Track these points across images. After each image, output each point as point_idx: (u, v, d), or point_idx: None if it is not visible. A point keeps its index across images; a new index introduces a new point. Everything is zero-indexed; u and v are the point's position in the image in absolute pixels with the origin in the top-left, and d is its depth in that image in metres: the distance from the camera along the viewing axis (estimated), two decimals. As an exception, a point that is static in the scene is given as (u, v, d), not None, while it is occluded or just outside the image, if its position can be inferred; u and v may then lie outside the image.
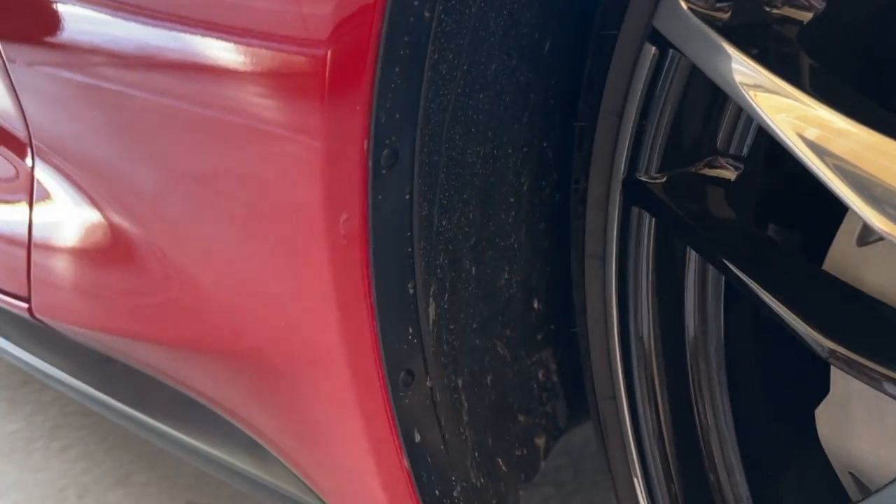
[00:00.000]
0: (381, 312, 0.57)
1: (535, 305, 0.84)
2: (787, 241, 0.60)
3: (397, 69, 0.50)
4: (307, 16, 0.47)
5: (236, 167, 0.57)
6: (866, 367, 0.48)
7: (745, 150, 0.59)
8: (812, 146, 0.46)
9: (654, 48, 0.56)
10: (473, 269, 0.73)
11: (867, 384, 0.48)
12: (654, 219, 0.63)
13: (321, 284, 0.57)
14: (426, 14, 0.49)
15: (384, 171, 0.53)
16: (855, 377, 0.49)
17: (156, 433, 1.06)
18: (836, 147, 0.45)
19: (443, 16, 0.52)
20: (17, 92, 0.93)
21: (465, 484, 0.68)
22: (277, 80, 0.50)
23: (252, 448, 0.87)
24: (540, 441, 0.87)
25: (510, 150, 0.73)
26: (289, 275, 0.59)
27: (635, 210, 0.65)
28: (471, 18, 0.58)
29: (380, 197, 0.54)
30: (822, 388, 0.59)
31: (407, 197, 0.56)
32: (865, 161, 0.44)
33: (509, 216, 0.76)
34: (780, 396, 0.70)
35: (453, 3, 0.54)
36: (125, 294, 0.90)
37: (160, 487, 1.32)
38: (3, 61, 0.89)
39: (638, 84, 0.59)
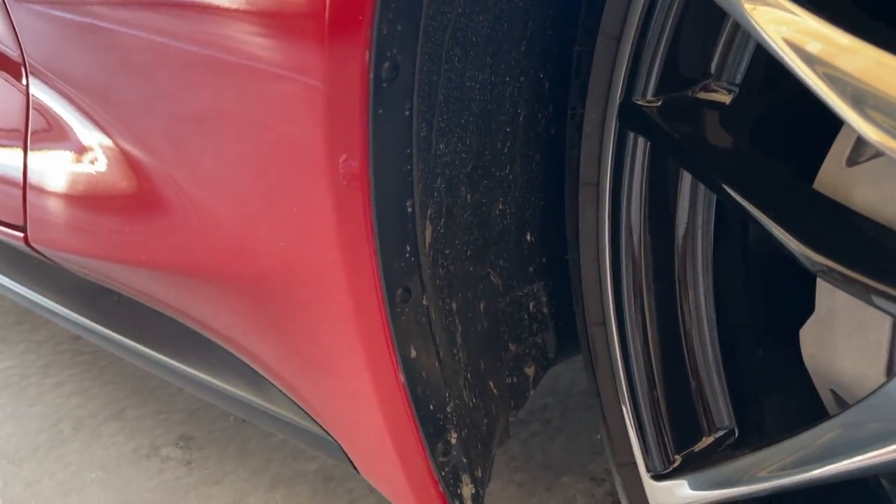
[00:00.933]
0: (381, 229, 0.58)
1: (528, 238, 0.85)
2: (780, 163, 0.61)
3: (399, -21, 0.50)
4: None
5: (241, 87, 0.58)
6: (856, 280, 0.50)
7: (740, 75, 0.60)
8: (806, 58, 0.47)
9: (654, -30, 0.56)
10: (469, 196, 0.74)
11: (856, 297, 0.50)
12: (648, 145, 0.64)
13: (321, 200, 0.58)
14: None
15: (385, 85, 0.54)
16: (844, 291, 0.51)
17: (154, 363, 1.07)
18: (831, 58, 0.46)
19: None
20: (11, 15, 0.92)
21: (458, 401, 0.70)
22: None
23: (250, 376, 0.88)
24: (529, 370, 0.89)
25: (507, 79, 0.74)
26: (289, 193, 0.60)
27: (630, 136, 0.65)
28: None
29: (380, 111, 0.54)
30: (806, 315, 0.61)
31: (406, 113, 0.57)
32: (861, 72, 0.45)
33: (505, 146, 0.77)
34: (765, 323, 0.72)
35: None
36: (123, 221, 0.90)
37: (154, 422, 1.34)
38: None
39: (637, 7, 0.59)
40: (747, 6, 0.49)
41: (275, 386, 0.86)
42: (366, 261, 0.60)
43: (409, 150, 0.58)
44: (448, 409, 0.68)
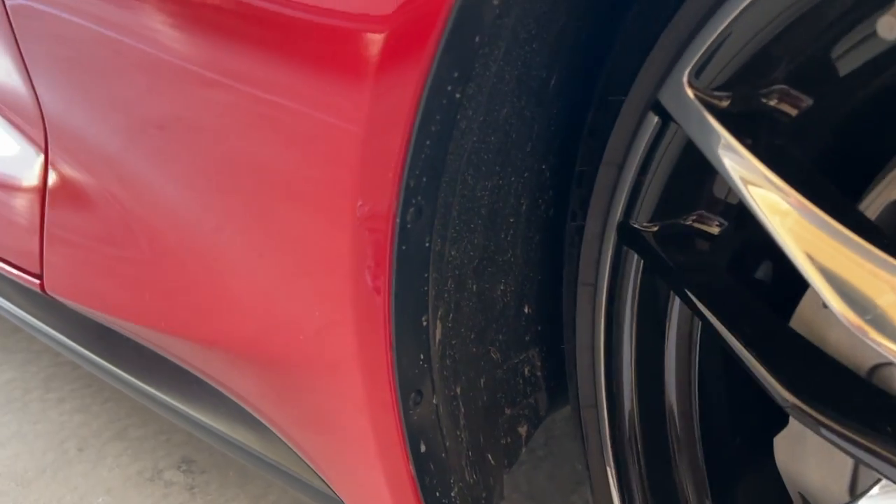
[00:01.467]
0: (398, 343, 0.63)
1: (526, 310, 0.91)
2: (761, 296, 0.68)
3: (428, 142, 0.55)
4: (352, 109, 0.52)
5: (287, 217, 0.63)
6: (822, 422, 0.56)
7: (730, 211, 0.66)
8: (786, 231, 0.53)
9: (656, 118, 0.61)
10: (475, 286, 0.80)
11: (820, 436, 0.56)
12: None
13: (348, 318, 0.63)
14: (457, 95, 0.54)
15: (409, 226, 0.59)
16: (812, 430, 0.57)
17: (160, 404, 1.12)
18: (804, 234, 0.52)
19: (469, 88, 0.57)
20: (32, 79, 0.95)
21: (461, 484, 0.76)
22: (328, 158, 0.55)
23: (257, 427, 0.93)
24: (522, 430, 0.95)
25: (513, 178, 0.79)
26: (318, 296, 0.65)
27: (626, 249, 0.71)
28: (490, 77, 0.63)
29: (404, 247, 0.59)
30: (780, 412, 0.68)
31: (427, 245, 0.62)
32: (828, 254, 0.50)
33: (508, 234, 0.83)
34: (743, 415, 0.79)
35: (478, 71, 0.59)
36: (139, 281, 0.94)
37: (156, 442, 1.40)
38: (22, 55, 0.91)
39: (640, 144, 0.64)
40: (738, 175, 0.54)
41: (280, 440, 0.91)
42: (383, 367, 0.65)
43: (426, 274, 0.64)
44: (453, 494, 0.74)
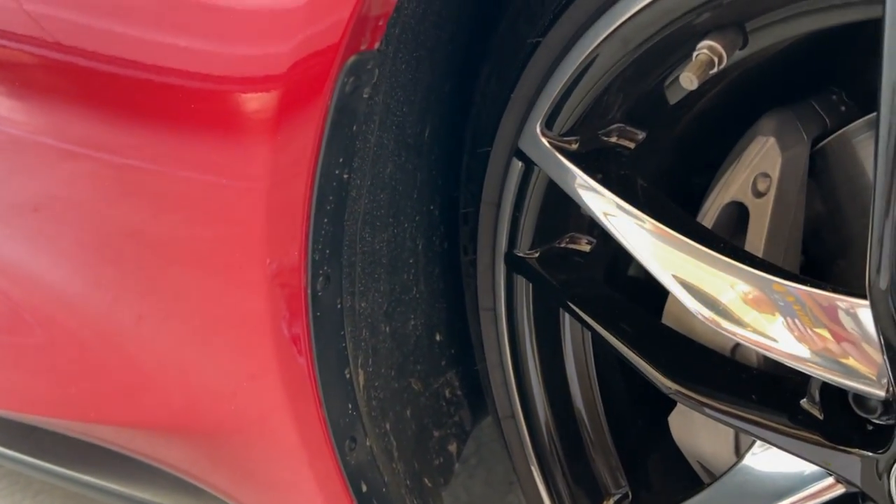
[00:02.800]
0: (327, 399, 0.69)
1: (438, 337, 0.98)
2: (635, 297, 0.77)
3: (326, 220, 0.62)
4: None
5: (204, 294, 0.67)
6: (700, 401, 0.66)
7: (596, 228, 0.75)
8: (637, 246, 0.63)
9: (520, 163, 0.70)
10: (388, 328, 0.87)
11: (702, 414, 0.66)
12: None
13: (275, 383, 0.68)
14: (345, 176, 0.61)
15: (320, 294, 0.65)
16: (691, 408, 0.67)
17: (92, 488, 1.13)
18: (655, 249, 0.61)
19: (355, 162, 0.64)
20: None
21: (404, 512, 0.82)
22: (237, 249, 0.61)
23: (198, 493, 0.97)
24: (453, 447, 1.03)
25: (406, 224, 0.86)
26: (244, 377, 0.70)
27: (516, 275, 0.79)
28: (371, 147, 0.70)
29: (318, 313, 0.66)
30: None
31: (338, 306, 0.68)
32: (677, 263, 0.60)
33: (410, 274, 0.90)
34: (641, 400, 0.88)
35: (360, 147, 0.66)
36: (51, 374, 0.96)
37: (95, 527, 1.39)
38: None
39: (510, 186, 0.73)
40: (593, 205, 0.64)
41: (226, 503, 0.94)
42: (316, 423, 0.71)
43: (342, 332, 0.70)
44: (398, 524, 0.80)
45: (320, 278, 0.64)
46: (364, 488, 0.76)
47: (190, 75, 0.57)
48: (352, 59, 0.53)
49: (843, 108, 0.68)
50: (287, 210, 0.58)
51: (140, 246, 0.72)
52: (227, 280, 0.66)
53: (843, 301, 0.55)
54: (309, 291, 0.63)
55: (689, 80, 0.53)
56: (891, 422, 0.58)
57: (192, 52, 0.55)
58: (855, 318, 0.55)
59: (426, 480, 0.93)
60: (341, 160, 0.60)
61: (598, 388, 0.86)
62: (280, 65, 0.52)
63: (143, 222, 0.70)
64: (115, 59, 0.61)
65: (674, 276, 0.61)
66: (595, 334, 0.77)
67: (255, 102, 0.54)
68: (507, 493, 1.40)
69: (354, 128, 0.59)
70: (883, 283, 0.49)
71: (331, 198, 0.61)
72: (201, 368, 0.76)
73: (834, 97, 0.69)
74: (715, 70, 0.53)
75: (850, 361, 0.56)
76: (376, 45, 0.55)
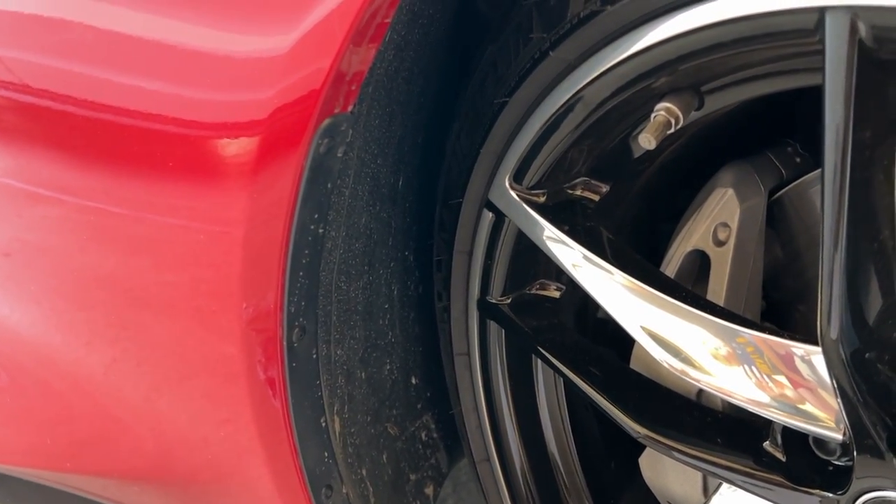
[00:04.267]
0: (303, 448, 0.70)
1: (414, 381, 0.99)
2: (604, 343, 0.79)
3: (301, 273, 0.63)
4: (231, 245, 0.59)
5: (175, 348, 0.68)
6: (669, 445, 0.67)
7: (565, 275, 0.77)
8: (603, 295, 0.65)
9: (490, 214, 0.72)
10: (363, 374, 0.88)
11: (669, 457, 0.68)
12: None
13: (251, 433, 0.69)
14: (320, 231, 0.63)
15: (295, 345, 0.66)
16: (660, 452, 0.68)
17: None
18: (621, 299, 0.63)
19: (329, 215, 0.66)
20: None
21: (379, 559, 0.83)
22: (213, 298, 0.62)
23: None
24: (429, 490, 1.03)
25: (381, 271, 0.88)
26: (220, 427, 0.71)
27: (488, 321, 0.81)
28: (346, 200, 0.72)
29: (294, 364, 0.67)
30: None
31: (314, 355, 0.70)
32: (642, 313, 0.62)
33: (385, 319, 0.91)
34: (614, 442, 0.90)
35: (334, 202, 0.67)
36: (22, 425, 0.96)
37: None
38: None
39: (481, 236, 0.75)
40: (561, 257, 0.66)
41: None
42: (292, 472, 0.72)
43: (318, 381, 0.71)
44: (374, 572, 0.81)
45: (296, 330, 0.65)
46: (340, 537, 0.76)
47: (165, 120, 0.59)
48: (326, 121, 0.55)
49: (797, 160, 0.71)
50: (263, 265, 0.60)
51: (113, 292, 0.73)
52: (203, 331, 0.67)
53: (798, 348, 0.58)
54: (285, 343, 0.65)
55: (647, 140, 0.55)
56: (849, 463, 0.60)
57: (165, 97, 0.57)
58: (810, 364, 0.57)
59: (402, 525, 0.93)
60: (316, 216, 0.62)
61: (571, 431, 0.88)
62: (255, 131, 0.54)
63: (116, 268, 0.71)
64: (93, 103, 0.62)
65: (638, 324, 0.63)
66: (566, 379, 0.79)
67: (231, 169, 0.55)
68: (485, 533, 1.40)
69: (329, 185, 0.61)
70: (833, 332, 0.51)
71: (306, 251, 0.62)
72: (175, 417, 0.76)
73: (789, 149, 0.72)
74: (672, 130, 0.56)
75: (808, 406, 0.58)
76: (350, 108, 0.58)
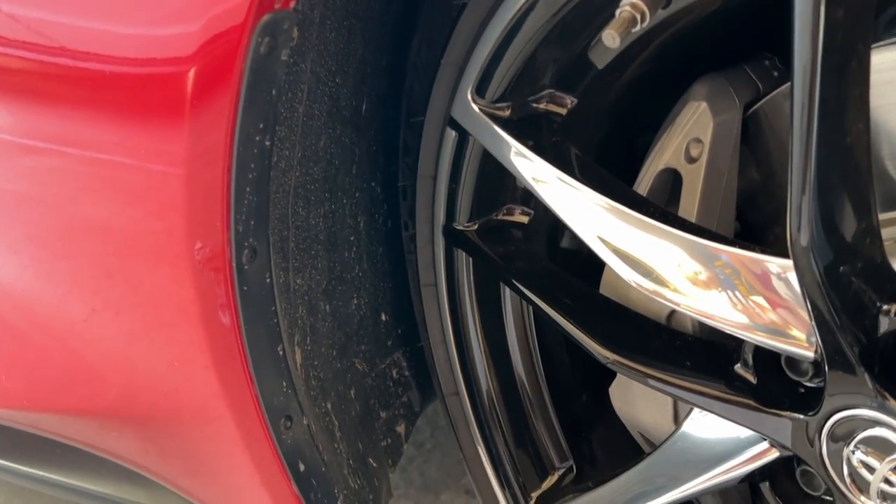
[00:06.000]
0: (259, 377, 0.68)
1: (383, 318, 0.97)
2: (573, 268, 0.76)
3: (248, 189, 0.60)
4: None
5: (123, 276, 0.65)
6: (637, 369, 0.65)
7: (534, 200, 0.74)
8: (570, 214, 0.62)
9: (454, 132, 0.69)
10: (328, 307, 0.85)
11: (637, 381, 0.66)
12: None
13: (204, 362, 0.67)
14: (266, 143, 0.59)
15: (246, 267, 0.63)
16: (629, 377, 0.66)
17: (38, 481, 1.10)
18: (590, 218, 0.60)
19: (279, 131, 0.62)
20: None
21: (346, 491, 0.81)
22: (156, 217, 0.59)
23: (143, 483, 0.95)
24: (401, 428, 1.02)
25: (345, 200, 0.84)
26: (174, 357, 0.68)
27: (456, 249, 0.78)
28: (299, 117, 0.68)
29: (245, 288, 0.64)
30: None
31: (268, 280, 0.66)
32: (612, 232, 0.59)
33: (352, 252, 0.88)
34: (585, 373, 0.88)
35: (285, 115, 0.64)
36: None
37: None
38: None
39: (445, 157, 0.71)
40: (526, 174, 0.63)
41: (170, 491, 0.93)
42: (250, 404, 0.69)
43: (273, 308, 0.68)
44: (339, 503, 0.79)
45: (245, 251, 0.62)
46: (302, 468, 0.74)
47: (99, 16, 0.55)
48: (265, 17, 0.51)
49: (775, 74, 0.68)
50: (206, 178, 0.56)
51: (61, 227, 0.70)
52: (150, 255, 0.63)
53: (771, 263, 0.55)
54: (234, 264, 0.62)
55: (611, 37, 0.52)
56: (821, 384, 0.58)
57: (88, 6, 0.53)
58: (783, 279, 0.55)
59: (370, 461, 0.91)
60: (261, 125, 0.58)
61: (540, 362, 0.85)
62: (192, 23, 0.50)
63: (61, 203, 0.68)
64: (25, 43, 0.59)
65: (606, 243, 0.60)
66: (535, 308, 0.76)
67: (168, 64, 0.52)
68: (461, 476, 1.39)
69: (274, 92, 0.58)
70: (804, 239, 0.49)
71: (252, 166, 0.59)
72: (130, 350, 0.73)
73: (766, 62, 0.68)
74: (638, 28, 0.53)
75: (780, 323, 0.56)
76: (292, 4, 0.54)
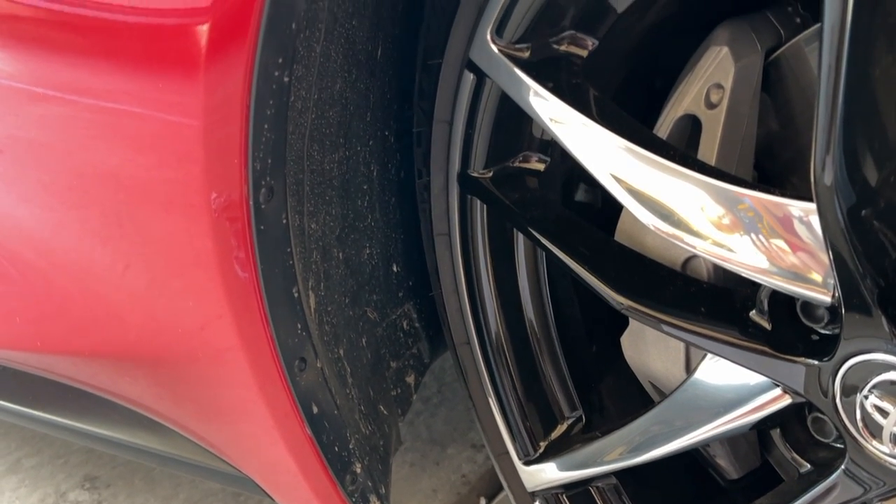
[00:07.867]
0: (274, 317, 0.68)
1: (395, 269, 0.97)
2: (589, 216, 0.76)
3: (266, 126, 0.60)
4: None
5: (146, 216, 0.65)
6: (651, 315, 0.65)
7: (551, 147, 0.73)
8: (592, 161, 0.61)
9: (472, 75, 0.68)
10: (341, 254, 0.85)
11: (652, 327, 0.66)
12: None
13: (220, 302, 0.67)
14: (285, 79, 0.59)
15: (263, 207, 0.63)
16: (643, 323, 0.66)
17: (50, 425, 1.11)
18: (608, 160, 0.60)
19: (297, 69, 0.62)
20: None
21: (357, 436, 0.82)
22: (174, 156, 0.58)
23: (155, 428, 0.96)
24: (410, 379, 1.02)
25: (359, 147, 0.84)
26: (190, 298, 0.68)
27: (470, 197, 0.78)
28: (316, 57, 0.68)
29: (262, 227, 0.64)
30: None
31: (284, 221, 0.66)
32: (630, 174, 0.59)
33: (364, 201, 0.88)
34: (595, 324, 0.88)
35: (302, 53, 0.63)
36: (8, 307, 0.94)
37: (54, 467, 1.38)
38: None
39: (462, 101, 0.71)
40: (546, 116, 0.62)
41: (178, 434, 0.93)
42: (264, 345, 0.70)
43: (288, 249, 0.68)
44: (350, 446, 0.80)
45: (263, 190, 0.62)
46: (315, 410, 0.75)
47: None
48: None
49: (797, 20, 0.67)
50: (224, 112, 0.56)
51: (78, 173, 0.70)
52: (166, 194, 0.63)
53: (793, 206, 0.55)
54: (251, 203, 0.61)
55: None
56: (836, 331, 0.58)
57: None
58: (805, 222, 0.55)
59: (381, 408, 0.92)
60: (280, 60, 0.57)
61: (552, 312, 0.86)
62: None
63: (79, 148, 0.68)
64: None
65: (627, 188, 0.60)
66: (549, 255, 0.76)
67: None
68: (468, 430, 1.40)
69: (294, 26, 0.57)
70: (828, 179, 0.48)
71: (270, 101, 0.58)
72: (146, 291, 0.74)
73: (789, 8, 0.67)
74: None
75: (800, 267, 0.56)
76: (313, -65, 0.53)
